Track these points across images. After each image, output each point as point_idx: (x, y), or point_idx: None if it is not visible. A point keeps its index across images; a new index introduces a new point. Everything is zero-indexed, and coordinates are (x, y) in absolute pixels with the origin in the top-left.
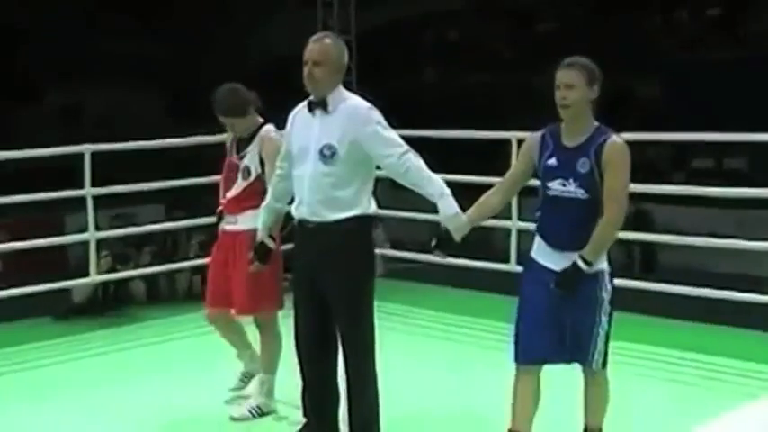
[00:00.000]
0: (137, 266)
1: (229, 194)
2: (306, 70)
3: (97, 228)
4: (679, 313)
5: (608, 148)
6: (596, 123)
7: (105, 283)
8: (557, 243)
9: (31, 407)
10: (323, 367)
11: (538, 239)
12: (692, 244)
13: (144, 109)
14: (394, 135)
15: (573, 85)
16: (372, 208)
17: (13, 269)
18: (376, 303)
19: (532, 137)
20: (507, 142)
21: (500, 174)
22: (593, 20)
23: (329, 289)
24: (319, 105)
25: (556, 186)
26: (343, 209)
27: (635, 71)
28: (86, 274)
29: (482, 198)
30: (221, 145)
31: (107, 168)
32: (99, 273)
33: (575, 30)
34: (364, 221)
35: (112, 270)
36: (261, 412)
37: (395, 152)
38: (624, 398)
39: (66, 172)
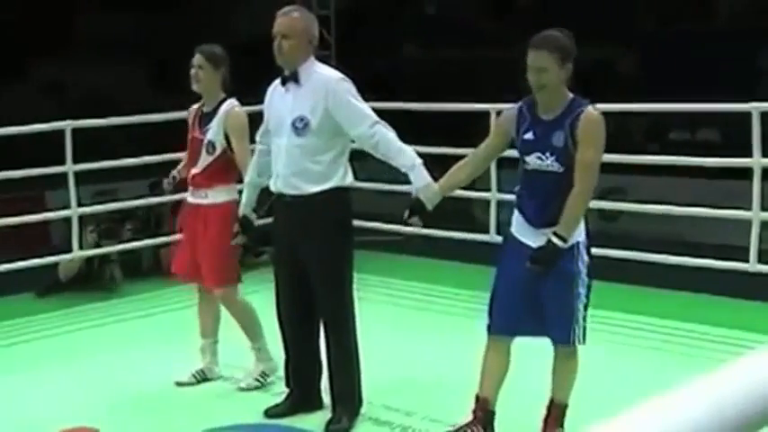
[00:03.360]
0: (120, 242)
1: (194, 170)
2: (275, 43)
3: (80, 205)
4: (656, 282)
5: (583, 120)
6: (571, 95)
7: (89, 261)
8: (534, 218)
9: (9, 380)
10: (305, 338)
11: (516, 215)
12: (668, 213)
13: (126, 85)
14: (364, 106)
15: (545, 68)
16: (348, 179)
17: None
18: (354, 275)
19: (509, 110)
20: (486, 115)
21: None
22: None
23: (307, 261)
24: (291, 78)
25: (533, 160)
26: (317, 181)
27: (613, 43)
28: (70, 251)
29: (453, 168)
30: None
31: (92, 146)
32: (85, 248)
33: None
34: (340, 193)
35: (98, 246)
36: (266, 376)
37: (365, 123)
38: (606, 366)
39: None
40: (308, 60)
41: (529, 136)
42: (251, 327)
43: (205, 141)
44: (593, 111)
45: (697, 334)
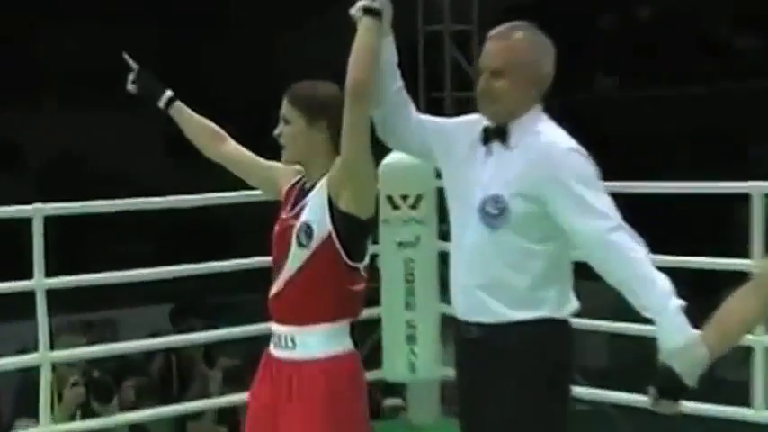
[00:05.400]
0: (122, 407)
1: (276, 286)
2: (480, 83)
3: (52, 346)
4: None
5: None
6: None
7: None
8: None
9: None
10: None
11: None
12: None
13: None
14: (601, 200)
15: None
16: (570, 307)
17: None
18: None
19: None
20: (745, 199)
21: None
22: None
23: None
24: (497, 135)
25: None
26: (518, 304)
27: None
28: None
29: (727, 304)
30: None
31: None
32: (63, 412)
33: None
34: (553, 328)
35: (86, 408)
36: None
37: (595, 226)
38: None
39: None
40: (528, 112)
41: None
42: None
43: (297, 226)
44: None
45: None
